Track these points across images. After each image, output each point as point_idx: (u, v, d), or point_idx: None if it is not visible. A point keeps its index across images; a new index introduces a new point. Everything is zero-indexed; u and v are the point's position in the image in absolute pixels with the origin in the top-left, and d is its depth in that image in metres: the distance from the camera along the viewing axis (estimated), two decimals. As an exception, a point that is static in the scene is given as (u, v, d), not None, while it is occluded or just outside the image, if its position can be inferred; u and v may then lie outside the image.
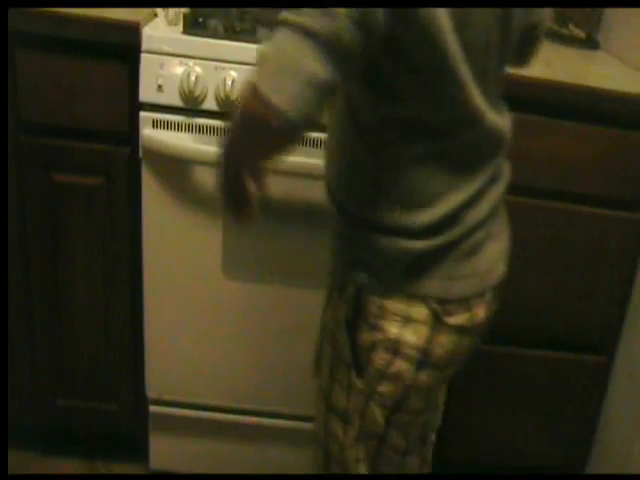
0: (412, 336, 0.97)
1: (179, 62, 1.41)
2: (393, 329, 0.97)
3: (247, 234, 1.52)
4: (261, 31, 1.47)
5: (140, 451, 1.74)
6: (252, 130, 0.84)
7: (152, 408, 1.68)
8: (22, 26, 1.37)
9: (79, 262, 1.55)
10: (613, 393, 1.70)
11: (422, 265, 0.96)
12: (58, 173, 1.49)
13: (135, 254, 1.56)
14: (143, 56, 1.41)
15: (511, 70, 1.49)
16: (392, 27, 0.80)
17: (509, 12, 0.92)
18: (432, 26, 0.81)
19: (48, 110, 1.44)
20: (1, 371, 1.33)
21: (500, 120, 0.98)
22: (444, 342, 0.99)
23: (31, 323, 1.61)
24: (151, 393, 1.67)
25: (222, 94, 1.41)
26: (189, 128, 1.45)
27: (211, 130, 1.45)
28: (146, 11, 1.49)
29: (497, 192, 1.01)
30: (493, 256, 1.03)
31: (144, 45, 1.40)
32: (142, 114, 1.44)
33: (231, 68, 1.41)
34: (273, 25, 0.82)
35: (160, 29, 1.45)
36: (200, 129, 1.45)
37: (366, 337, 1.00)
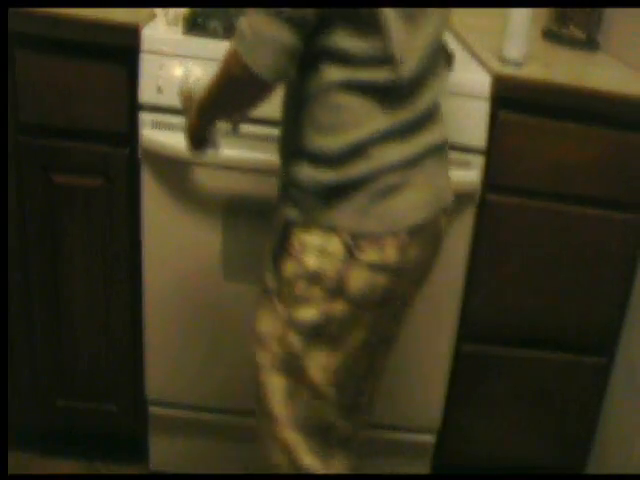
0: (327, 266, 1.05)
1: (179, 63, 1.41)
2: (311, 262, 1.05)
3: (247, 234, 1.52)
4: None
5: (140, 452, 1.74)
6: (230, 83, 1.02)
7: (152, 409, 1.68)
8: (22, 27, 1.38)
9: (78, 263, 1.56)
10: (613, 393, 1.70)
11: (335, 198, 1.03)
12: (58, 174, 1.49)
13: (135, 255, 1.56)
14: (143, 57, 1.41)
15: (509, 71, 1.49)
16: None
17: None
18: None
19: (48, 111, 1.44)
20: (1, 371, 1.33)
21: (431, 78, 1.06)
22: (356, 277, 1.05)
23: (31, 324, 1.61)
24: (151, 394, 1.66)
25: (222, 95, 1.41)
26: (189, 129, 1.45)
27: (211, 131, 1.45)
28: (145, 12, 1.49)
29: (421, 142, 1.06)
30: (411, 203, 1.06)
31: (144, 46, 1.40)
32: (142, 115, 1.44)
33: (231, 69, 1.41)
34: None
35: (160, 30, 1.45)
36: (200, 130, 1.45)
37: (289, 268, 1.09)
